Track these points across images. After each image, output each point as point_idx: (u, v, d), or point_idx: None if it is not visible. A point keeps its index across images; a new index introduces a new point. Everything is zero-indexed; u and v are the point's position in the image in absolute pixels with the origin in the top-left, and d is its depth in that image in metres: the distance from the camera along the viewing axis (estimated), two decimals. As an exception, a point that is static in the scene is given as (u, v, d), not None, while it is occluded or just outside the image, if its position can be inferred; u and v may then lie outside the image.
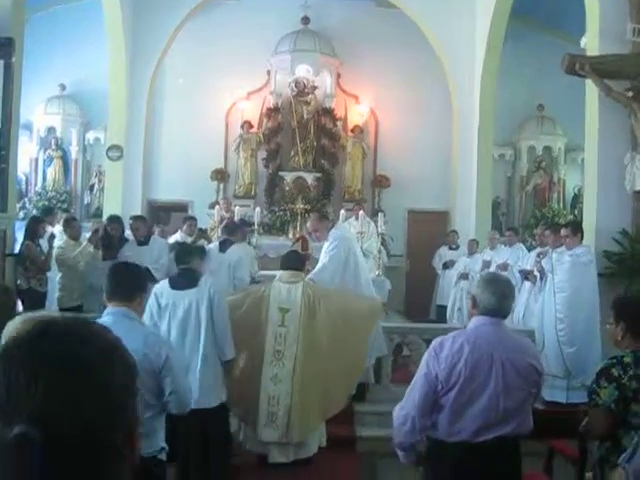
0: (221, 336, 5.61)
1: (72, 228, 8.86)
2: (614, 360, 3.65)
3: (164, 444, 3.78)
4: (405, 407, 3.47)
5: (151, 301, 5.49)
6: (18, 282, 8.12)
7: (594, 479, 3.55)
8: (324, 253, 7.43)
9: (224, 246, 8.27)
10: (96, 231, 8.80)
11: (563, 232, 7.57)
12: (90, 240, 8.61)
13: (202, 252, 6.23)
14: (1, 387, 0.97)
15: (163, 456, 3.77)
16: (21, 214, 13.31)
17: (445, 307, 12.19)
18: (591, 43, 8.23)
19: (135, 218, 9.22)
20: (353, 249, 7.58)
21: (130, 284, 3.79)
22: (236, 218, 11.38)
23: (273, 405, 6.21)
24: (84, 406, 0.98)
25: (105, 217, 10.67)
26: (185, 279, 5.71)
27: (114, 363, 1.06)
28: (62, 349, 1.01)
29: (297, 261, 6.62)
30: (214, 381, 5.71)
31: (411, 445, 3.53)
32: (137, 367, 1.13)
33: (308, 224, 7.98)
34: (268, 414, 6.20)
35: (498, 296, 3.48)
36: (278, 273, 6.66)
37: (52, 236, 8.49)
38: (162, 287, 5.66)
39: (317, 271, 7.27)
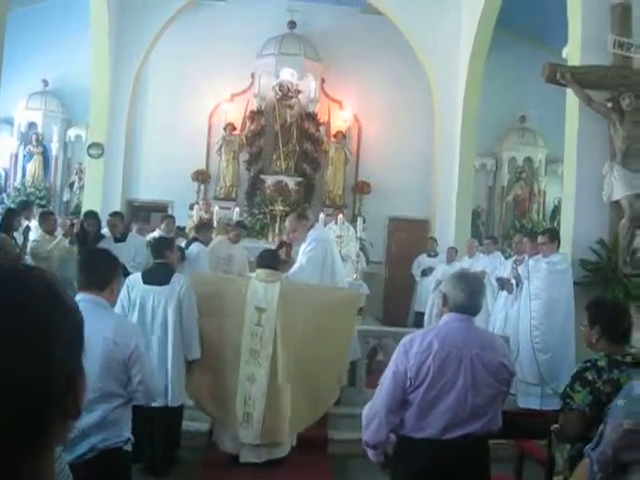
0: (188, 336, 5.76)
1: (48, 222, 8.79)
2: (588, 364, 3.63)
3: (130, 435, 3.72)
4: (373, 405, 3.48)
5: (123, 293, 5.52)
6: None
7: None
8: (302, 254, 7.37)
9: (158, 275, 7.44)
10: (72, 225, 8.73)
11: (540, 239, 7.59)
12: (65, 234, 8.53)
13: (179, 248, 6.23)
14: None
15: (129, 447, 3.71)
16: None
17: (423, 314, 12.19)
18: (573, 53, 8.29)
19: (113, 214, 9.19)
20: (331, 251, 7.53)
21: (102, 272, 3.71)
22: (235, 218, 11.47)
23: (249, 405, 6.14)
24: (12, 351, 0.92)
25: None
26: (158, 275, 5.79)
27: (51, 306, 0.99)
28: None
29: (273, 259, 6.54)
30: (180, 381, 5.86)
31: (380, 444, 3.50)
32: (80, 313, 1.06)
33: (286, 223, 7.90)
34: (244, 414, 6.14)
35: (467, 293, 3.47)
36: (255, 272, 6.60)
37: (27, 229, 8.40)
38: (134, 280, 5.76)
39: (294, 271, 7.22)
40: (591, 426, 3.51)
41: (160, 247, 6.09)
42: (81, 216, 10.30)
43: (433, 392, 3.33)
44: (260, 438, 6.09)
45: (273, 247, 9.33)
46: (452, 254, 12.03)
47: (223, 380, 6.26)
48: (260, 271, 6.37)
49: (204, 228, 9.92)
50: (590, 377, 3.53)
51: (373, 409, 3.45)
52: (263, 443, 6.12)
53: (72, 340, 1.02)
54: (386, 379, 3.44)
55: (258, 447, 6.17)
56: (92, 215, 9.01)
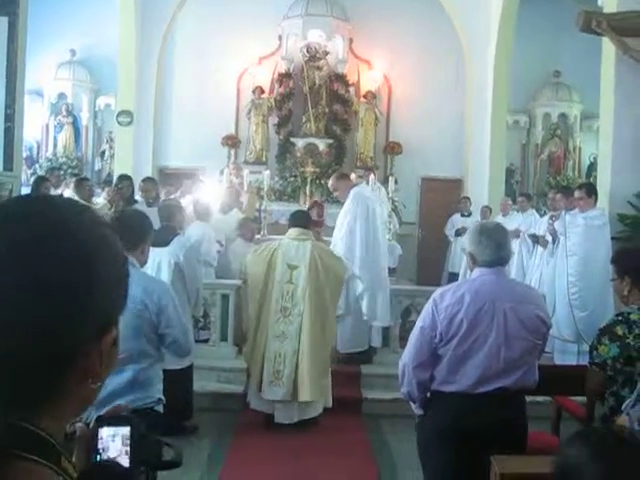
0: (191, 295, 6.01)
1: (83, 189, 8.80)
2: (620, 317, 3.52)
3: (161, 395, 3.73)
4: (402, 359, 3.46)
5: None
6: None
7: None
8: (344, 212, 7.39)
9: (161, 237, 6.97)
10: (117, 192, 8.72)
11: (577, 194, 7.40)
12: (110, 201, 8.54)
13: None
14: None
15: (160, 408, 3.72)
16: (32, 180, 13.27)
17: (457, 274, 12.06)
18: (609, 0, 7.99)
19: (146, 180, 9.23)
20: (373, 208, 7.55)
21: (134, 232, 3.74)
22: (245, 185, 11.28)
23: (279, 363, 6.18)
24: (36, 284, 0.83)
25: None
26: (160, 237, 5.78)
27: (94, 251, 0.89)
28: (25, 221, 0.86)
29: (305, 219, 6.59)
30: None
31: (415, 398, 3.46)
32: (127, 265, 0.99)
33: (329, 183, 7.94)
34: (274, 372, 6.17)
35: (493, 247, 3.37)
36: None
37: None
38: None
39: (341, 235, 7.27)
40: (616, 380, 3.42)
41: (170, 210, 6.32)
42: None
43: (465, 346, 3.26)
44: (292, 395, 6.12)
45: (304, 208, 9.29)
46: (486, 213, 11.86)
47: (253, 339, 6.32)
48: (292, 230, 6.46)
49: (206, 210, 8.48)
50: (620, 332, 3.41)
51: (401, 364, 3.43)
52: (295, 401, 6.15)
53: (111, 283, 0.92)
54: (414, 334, 3.39)
55: (291, 407, 6.20)
56: (126, 178, 9.04)
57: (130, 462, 1.12)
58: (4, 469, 0.76)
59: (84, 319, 0.86)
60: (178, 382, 5.83)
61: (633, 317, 3.42)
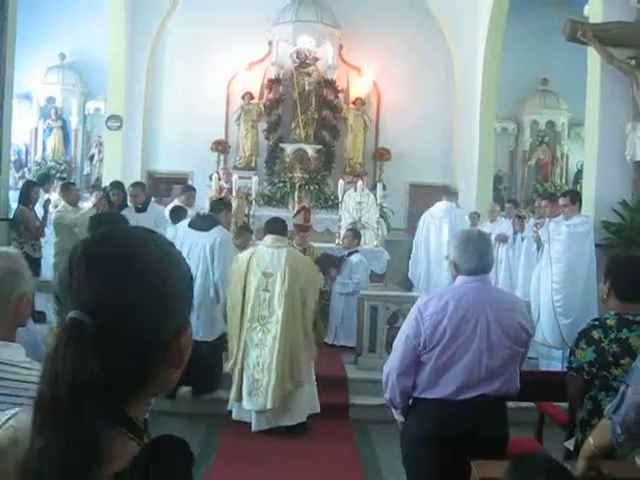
0: (217, 278, 6.74)
1: (70, 193, 8.79)
2: (596, 322, 3.55)
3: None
4: (386, 367, 3.50)
5: (171, 234, 7.08)
6: (11, 247, 8.05)
7: (576, 442, 3.49)
8: None
9: (203, 223, 7.07)
10: (104, 197, 8.71)
11: (561, 201, 7.47)
12: (96, 205, 8.53)
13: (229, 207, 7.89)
14: (67, 281, 1.09)
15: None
16: (20, 184, 13.23)
17: (444, 281, 12.14)
18: (594, 10, 8.08)
19: (134, 185, 9.19)
20: None
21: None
22: (234, 190, 11.24)
23: (258, 372, 6.18)
24: (135, 302, 1.07)
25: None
26: (203, 223, 6.94)
27: (169, 267, 1.15)
28: (120, 250, 1.11)
29: (281, 226, 6.56)
30: (209, 316, 6.80)
31: (397, 404, 3.50)
32: (191, 275, 1.21)
33: None
34: (252, 381, 6.18)
35: (477, 256, 3.41)
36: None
37: (47, 201, 8.45)
38: (182, 225, 7.25)
39: None
40: (594, 386, 3.47)
41: (219, 205, 7.36)
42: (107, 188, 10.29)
43: (448, 353, 3.30)
44: (272, 403, 6.11)
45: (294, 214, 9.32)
46: (474, 219, 11.91)
47: (237, 348, 6.35)
48: (268, 237, 6.43)
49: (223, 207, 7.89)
50: (596, 336, 3.44)
51: (386, 371, 3.47)
52: (272, 408, 6.15)
53: (183, 295, 1.17)
54: (399, 342, 3.43)
55: (267, 414, 6.20)
56: (117, 185, 9.00)
57: None
58: (108, 439, 1.02)
59: (172, 319, 1.13)
60: (207, 354, 6.61)
61: (609, 322, 3.45)
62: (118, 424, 1.06)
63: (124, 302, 1.07)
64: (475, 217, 11.97)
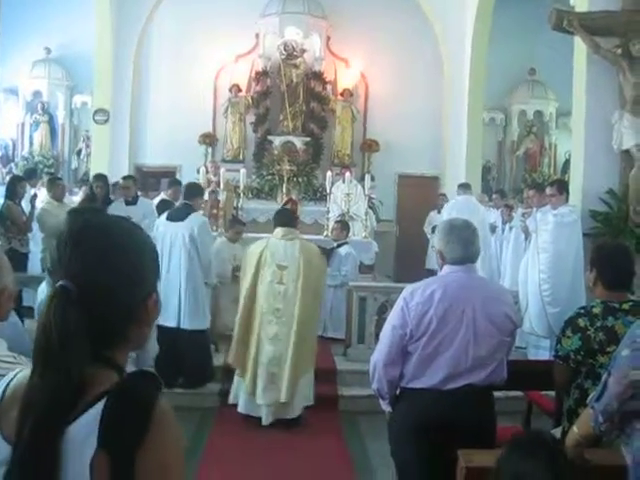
0: (205, 264, 6.80)
1: (56, 188, 8.73)
2: (582, 310, 3.57)
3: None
4: (373, 357, 3.49)
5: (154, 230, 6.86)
6: (-1, 242, 8.03)
7: (563, 430, 3.50)
8: None
9: (179, 213, 7.01)
10: (90, 192, 8.67)
11: (548, 191, 7.47)
12: (83, 201, 8.49)
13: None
14: (56, 258, 1.37)
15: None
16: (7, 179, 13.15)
17: (435, 271, 12.12)
18: (580, -1, 8.08)
19: (126, 178, 9.19)
20: None
21: None
22: (221, 183, 11.20)
23: (274, 366, 6.11)
24: (112, 273, 1.35)
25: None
26: (178, 213, 6.92)
27: (139, 243, 1.45)
28: (98, 232, 1.39)
29: (290, 217, 6.57)
30: (194, 306, 6.76)
31: (384, 394, 3.50)
32: (156, 249, 1.52)
33: None
34: (268, 375, 6.10)
35: (462, 245, 3.41)
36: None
37: (34, 196, 8.39)
38: (161, 218, 7.06)
39: None
40: (580, 373, 3.48)
41: (192, 191, 7.13)
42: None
43: (434, 343, 3.30)
44: (286, 397, 6.07)
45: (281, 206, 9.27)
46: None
47: (242, 341, 6.28)
48: (279, 229, 6.35)
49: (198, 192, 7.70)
50: (582, 324, 3.46)
51: (372, 361, 3.47)
52: (287, 401, 6.11)
53: (151, 266, 1.46)
54: (385, 333, 3.43)
55: (272, 406, 6.17)
56: (101, 178, 8.96)
57: None
58: (94, 372, 1.30)
59: (140, 287, 1.40)
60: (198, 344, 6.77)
61: (595, 310, 3.46)
62: (102, 362, 1.34)
63: (103, 273, 1.34)
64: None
